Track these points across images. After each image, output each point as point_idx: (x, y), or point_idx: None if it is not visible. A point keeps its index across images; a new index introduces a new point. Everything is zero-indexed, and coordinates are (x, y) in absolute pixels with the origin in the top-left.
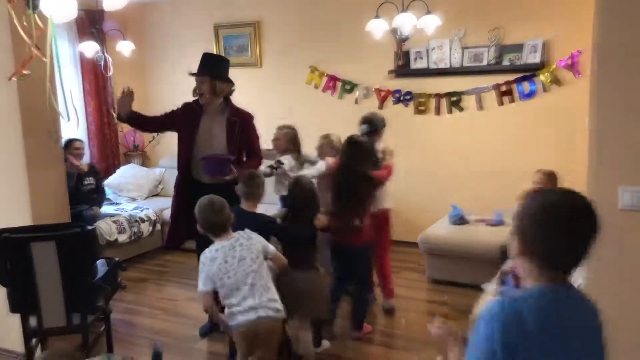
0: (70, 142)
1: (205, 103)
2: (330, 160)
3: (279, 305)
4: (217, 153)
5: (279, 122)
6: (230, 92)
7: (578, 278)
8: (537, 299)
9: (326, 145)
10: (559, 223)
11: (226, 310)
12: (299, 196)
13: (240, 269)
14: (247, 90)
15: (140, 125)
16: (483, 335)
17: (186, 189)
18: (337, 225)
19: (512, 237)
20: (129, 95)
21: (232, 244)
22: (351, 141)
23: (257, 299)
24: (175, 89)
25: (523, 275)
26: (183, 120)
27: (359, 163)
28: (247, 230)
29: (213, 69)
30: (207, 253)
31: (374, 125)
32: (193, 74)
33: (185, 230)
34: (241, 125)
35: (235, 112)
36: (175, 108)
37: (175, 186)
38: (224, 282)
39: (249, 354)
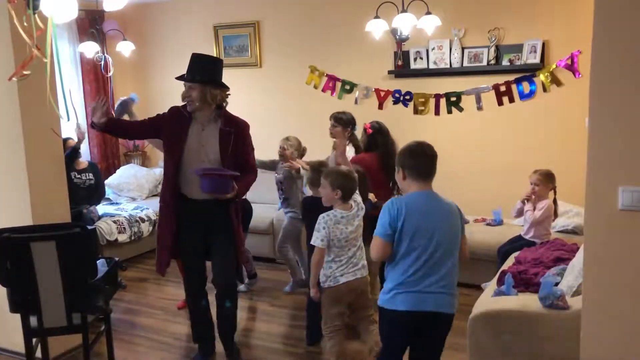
0: (65, 141)
1: (194, 111)
2: (301, 161)
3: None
4: (215, 167)
5: (277, 123)
6: (224, 98)
7: (579, 278)
8: (410, 197)
9: (293, 147)
10: (412, 155)
11: (325, 271)
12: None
13: (354, 234)
14: (246, 91)
15: (119, 132)
16: (383, 214)
17: (174, 205)
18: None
19: (396, 173)
20: (102, 104)
21: (354, 214)
22: (382, 129)
23: (358, 260)
24: (176, 89)
25: (403, 190)
26: (170, 128)
27: (393, 145)
28: (358, 199)
29: (203, 74)
30: (332, 216)
31: (340, 123)
32: (180, 78)
33: (173, 250)
34: (236, 136)
35: (229, 121)
36: (161, 113)
37: (161, 201)
38: (341, 243)
39: (342, 314)
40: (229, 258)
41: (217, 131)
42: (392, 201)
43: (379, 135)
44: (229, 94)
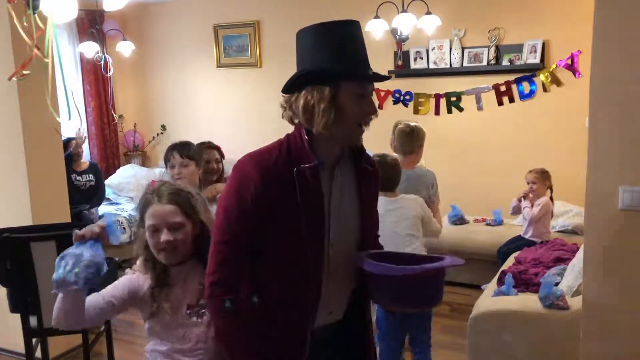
0: (68, 142)
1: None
2: None
3: None
4: (393, 252)
5: (277, 124)
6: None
7: (579, 278)
8: None
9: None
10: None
11: None
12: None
13: None
14: (246, 91)
15: None
16: None
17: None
18: None
19: None
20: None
21: None
22: None
23: None
24: (176, 89)
25: None
26: (286, 196)
27: None
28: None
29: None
30: None
31: None
32: (378, 77)
33: None
34: (372, 180)
35: (367, 157)
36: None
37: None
38: None
39: None
40: None
41: (353, 176)
42: None
43: None
44: None
